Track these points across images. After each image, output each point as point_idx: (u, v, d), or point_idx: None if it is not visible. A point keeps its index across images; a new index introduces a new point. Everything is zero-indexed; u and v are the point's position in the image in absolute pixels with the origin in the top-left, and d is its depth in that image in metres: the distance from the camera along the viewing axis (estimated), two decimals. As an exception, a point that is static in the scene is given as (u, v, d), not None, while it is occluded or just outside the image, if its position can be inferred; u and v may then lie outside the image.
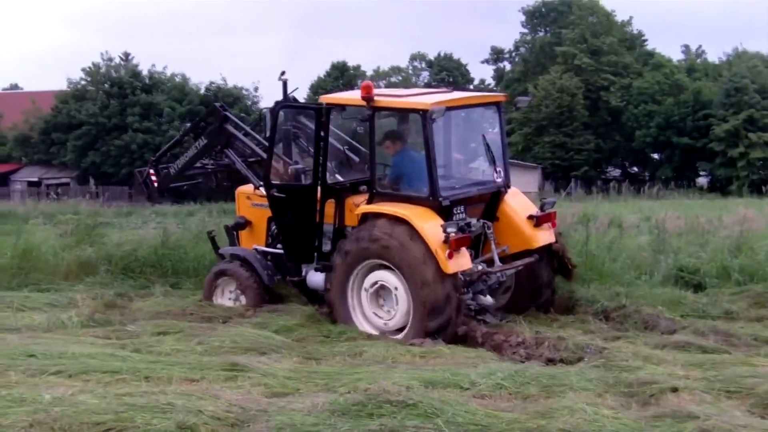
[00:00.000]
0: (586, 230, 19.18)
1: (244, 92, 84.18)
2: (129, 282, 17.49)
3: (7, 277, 17.99)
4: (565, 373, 10.47)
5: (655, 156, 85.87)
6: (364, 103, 13.78)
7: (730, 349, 12.26)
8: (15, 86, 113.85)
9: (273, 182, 14.78)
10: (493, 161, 14.73)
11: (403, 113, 14.45)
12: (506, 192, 14.77)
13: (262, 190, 15.34)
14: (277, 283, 15.55)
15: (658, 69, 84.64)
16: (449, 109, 13.91)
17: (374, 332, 13.58)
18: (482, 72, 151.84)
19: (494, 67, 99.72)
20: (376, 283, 13.64)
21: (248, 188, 16.41)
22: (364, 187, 14.47)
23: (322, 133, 14.44)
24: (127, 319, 14.50)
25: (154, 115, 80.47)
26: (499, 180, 14.66)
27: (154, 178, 17.66)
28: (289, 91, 16.33)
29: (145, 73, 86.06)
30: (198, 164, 17.34)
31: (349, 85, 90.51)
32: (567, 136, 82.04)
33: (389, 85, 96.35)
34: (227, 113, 16.85)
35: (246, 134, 16.77)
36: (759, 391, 9.69)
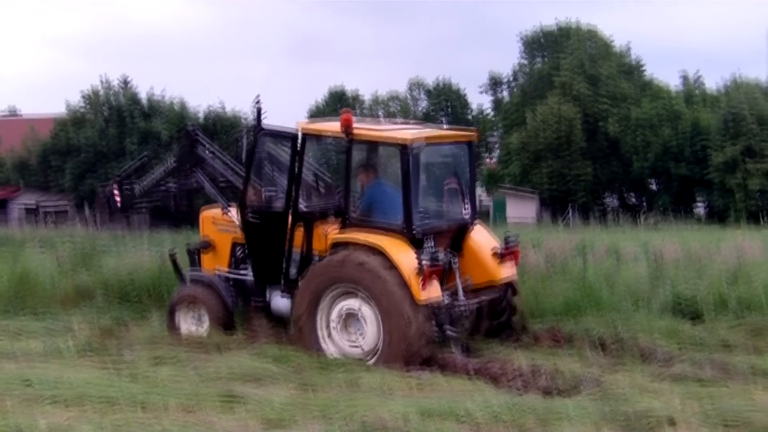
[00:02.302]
0: (584, 260, 19.19)
1: (242, 118, 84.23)
2: (126, 308, 17.46)
3: (4, 302, 17.98)
4: (561, 404, 10.47)
5: (653, 184, 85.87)
6: (342, 133, 14.03)
7: (727, 381, 12.24)
8: (14, 111, 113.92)
9: (248, 205, 14.94)
10: (461, 196, 15.10)
11: (383, 146, 14.73)
12: (472, 227, 15.10)
13: (230, 214, 15.65)
14: (239, 308, 15.59)
15: (656, 97, 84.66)
16: (427, 143, 14.18)
17: (341, 357, 13.72)
18: (480, 99, 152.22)
19: (492, 94, 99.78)
20: (345, 309, 13.84)
21: (214, 211, 16.47)
22: (332, 216, 14.82)
23: (297, 161, 14.67)
24: (123, 346, 14.46)
25: (153, 140, 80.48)
26: (466, 214, 15.04)
27: (117, 197, 17.60)
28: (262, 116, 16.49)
29: (143, 98, 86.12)
30: (162, 185, 17.35)
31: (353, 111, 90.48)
32: (565, 164, 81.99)
33: (388, 114, 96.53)
34: (198, 136, 16.91)
35: (217, 157, 16.82)
36: (756, 423, 9.70)
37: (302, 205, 14.93)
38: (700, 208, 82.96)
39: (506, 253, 14.91)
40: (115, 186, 17.69)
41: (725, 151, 75.24)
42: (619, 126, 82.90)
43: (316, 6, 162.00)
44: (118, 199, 17.57)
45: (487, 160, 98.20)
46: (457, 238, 14.99)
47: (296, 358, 13.37)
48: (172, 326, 15.76)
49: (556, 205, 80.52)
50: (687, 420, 9.74)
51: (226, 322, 15.32)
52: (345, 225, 14.22)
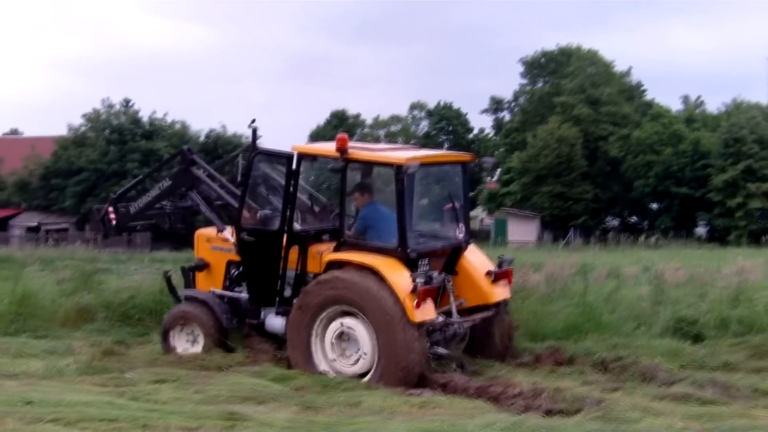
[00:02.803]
0: (585, 281, 19.19)
1: (243, 140, 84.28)
2: (127, 329, 17.45)
3: (5, 323, 17.95)
4: (563, 424, 10.43)
5: (654, 206, 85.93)
6: (337, 154, 14.17)
7: (728, 401, 12.21)
8: (15, 131, 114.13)
9: (244, 226, 15.04)
10: (455, 218, 15.19)
11: (377, 167, 14.89)
12: (466, 248, 15.18)
13: (225, 234, 15.75)
14: (234, 327, 15.62)
15: (657, 119, 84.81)
16: (422, 165, 14.27)
17: (335, 376, 13.75)
18: (482, 122, 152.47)
19: (493, 116, 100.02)
20: (340, 328, 13.90)
21: (209, 231, 16.52)
22: (327, 236, 15.07)
23: (292, 182, 14.78)
24: (124, 367, 14.43)
25: (154, 161, 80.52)
26: (460, 236, 15.10)
27: (112, 215, 17.66)
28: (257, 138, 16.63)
29: (145, 119, 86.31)
30: (156, 205, 17.41)
31: (349, 134, 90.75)
32: (566, 185, 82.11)
33: (389, 135, 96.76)
34: (194, 157, 16.99)
35: (212, 178, 16.88)
36: (758, 443, 9.67)
37: (297, 226, 15.05)
38: (701, 229, 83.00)
39: (500, 275, 15.05)
40: (110, 206, 17.77)
41: (726, 172, 75.29)
42: (620, 148, 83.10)
43: (317, 30, 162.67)
44: (113, 218, 17.64)
45: (488, 181, 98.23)
46: (451, 259, 15.08)
47: (297, 378, 13.35)
48: (167, 346, 15.78)
49: (557, 226, 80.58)
50: (688, 440, 9.73)
51: (220, 341, 15.37)
52: (340, 246, 14.33)
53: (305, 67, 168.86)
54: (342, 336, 13.92)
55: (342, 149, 14.10)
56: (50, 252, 38.16)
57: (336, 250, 14.32)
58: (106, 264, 27.28)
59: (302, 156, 14.84)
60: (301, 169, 14.83)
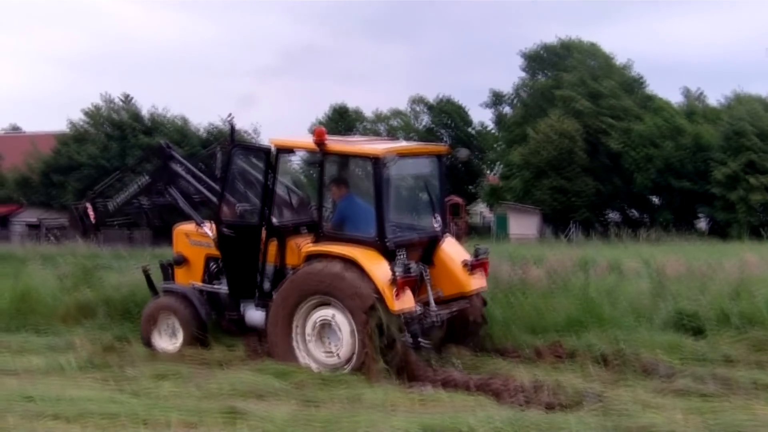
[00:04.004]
0: (586, 275, 19.19)
1: (243, 134, 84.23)
2: (128, 325, 17.43)
3: (6, 319, 18.01)
4: (564, 419, 10.44)
5: (655, 200, 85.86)
6: (316, 147, 14.33)
7: (729, 395, 12.21)
8: (15, 128, 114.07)
9: (223, 220, 15.17)
10: (432, 209, 15.42)
11: (355, 159, 15.09)
12: (443, 239, 15.37)
13: (204, 229, 15.90)
14: (212, 320, 15.79)
15: (658, 113, 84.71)
16: (399, 157, 14.39)
17: (317, 367, 13.89)
18: (482, 115, 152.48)
19: (494, 110, 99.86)
20: (320, 319, 14.06)
21: (187, 226, 16.67)
22: (305, 229, 15.13)
23: (270, 175, 14.92)
24: (125, 363, 14.47)
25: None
26: (437, 227, 15.33)
27: (91, 213, 17.69)
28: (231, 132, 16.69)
29: (145, 115, 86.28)
30: (135, 201, 17.41)
31: (349, 129, 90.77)
32: (566, 179, 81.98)
33: (390, 129, 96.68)
34: (172, 152, 17.04)
35: (191, 173, 16.91)
36: (759, 437, 9.67)
37: (275, 219, 15.18)
38: (702, 223, 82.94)
39: (476, 265, 15.22)
40: (88, 203, 17.80)
41: (727, 165, 75.22)
42: (621, 141, 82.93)
43: (317, 24, 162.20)
44: (92, 215, 17.67)
45: (489, 175, 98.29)
46: (428, 249, 15.26)
47: (298, 373, 13.36)
48: (146, 339, 15.93)
49: (558, 220, 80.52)
50: (689, 434, 9.74)
51: (199, 334, 15.51)
52: (318, 238, 14.49)
53: (305, 61, 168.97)
54: (322, 327, 14.07)
55: (320, 142, 14.25)
56: (51, 248, 38.13)
57: (314, 242, 14.48)
58: (106, 260, 27.14)
59: (280, 149, 14.97)
60: (279, 162, 15.00)
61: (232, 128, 16.32)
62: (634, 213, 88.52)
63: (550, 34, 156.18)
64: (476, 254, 15.41)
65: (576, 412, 11.20)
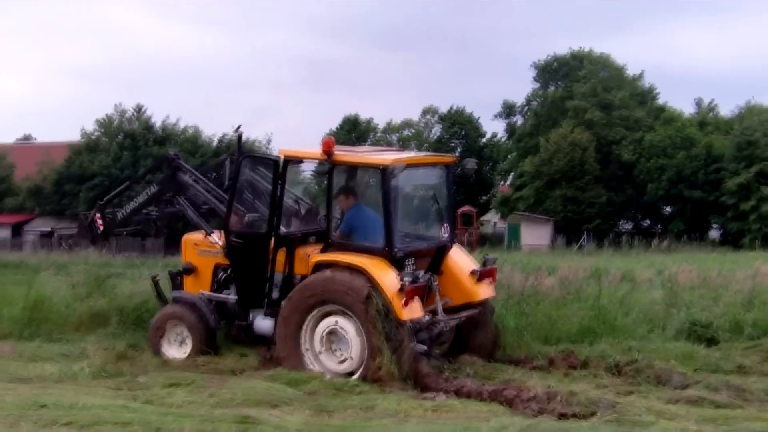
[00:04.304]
0: (599, 285, 19.17)
1: (257, 145, 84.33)
2: (140, 333, 17.44)
3: (19, 327, 18.02)
4: (577, 427, 10.42)
5: (667, 209, 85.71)
6: (324, 157, 14.39)
7: (743, 404, 12.19)
8: (28, 138, 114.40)
9: (232, 230, 15.24)
10: (440, 218, 15.53)
11: (363, 169, 15.14)
12: (451, 248, 15.44)
13: (212, 238, 15.97)
14: (221, 328, 15.83)
15: (670, 123, 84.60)
16: (407, 167, 14.45)
17: (326, 375, 13.89)
18: (494, 126, 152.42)
19: (506, 121, 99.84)
20: (329, 327, 14.08)
21: (196, 235, 16.72)
22: (313, 238, 15.34)
23: (279, 185, 14.97)
24: (138, 371, 14.48)
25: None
26: (445, 236, 15.40)
27: (99, 222, 17.76)
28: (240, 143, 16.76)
29: (158, 125, 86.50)
30: (143, 211, 17.50)
31: (361, 139, 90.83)
32: (579, 189, 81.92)
33: (402, 139, 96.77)
34: (180, 162, 17.06)
35: (199, 183, 16.95)
36: (773, 446, 9.64)
37: (284, 229, 15.24)
38: (715, 232, 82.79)
39: (484, 273, 15.25)
40: (97, 212, 17.85)
41: (739, 175, 75.07)
42: (633, 151, 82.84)
43: (329, 36, 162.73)
44: (100, 224, 17.74)
45: (501, 185, 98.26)
46: (436, 258, 15.31)
47: (311, 382, 13.34)
48: (156, 347, 15.97)
49: (570, 230, 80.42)
50: (703, 443, 9.70)
51: (208, 342, 15.57)
52: (327, 247, 14.56)
53: (317, 73, 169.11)
54: (331, 335, 14.10)
55: (328, 152, 14.31)
56: (63, 257, 38.24)
57: (323, 251, 14.54)
58: (119, 268, 27.23)
59: (288, 160, 15.01)
60: (288, 172, 15.06)
61: (240, 138, 16.37)
62: (647, 223, 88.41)
63: (563, 46, 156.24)
64: (484, 263, 15.50)
65: (589, 421, 11.17)
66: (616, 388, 13.27)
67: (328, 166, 14.44)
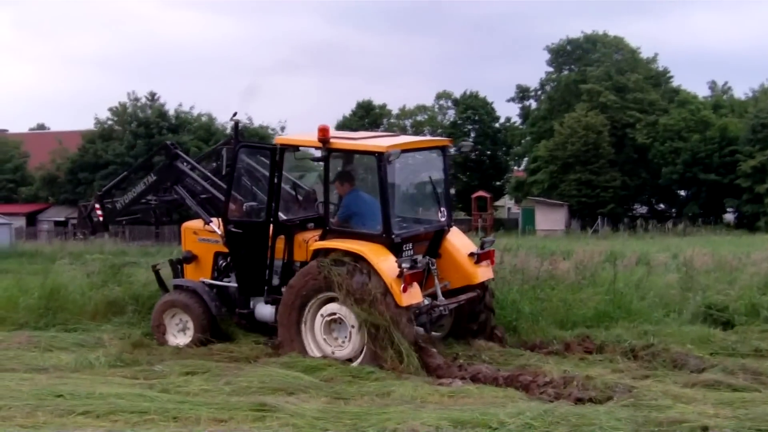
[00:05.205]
0: (614, 269, 19.14)
1: (270, 131, 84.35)
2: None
3: (35, 316, 18.06)
4: (594, 412, 10.38)
5: (682, 193, 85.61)
6: (320, 144, 14.47)
7: (760, 387, 12.15)
8: (42, 126, 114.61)
9: (231, 218, 15.28)
10: (437, 202, 15.61)
11: (359, 155, 15.16)
12: (448, 231, 15.55)
13: (211, 226, 16.04)
14: (223, 316, 15.88)
15: (684, 106, 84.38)
16: (403, 151, 14.50)
17: (326, 359, 13.98)
18: (508, 110, 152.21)
19: (520, 105, 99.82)
20: (330, 313, 14.18)
21: (195, 223, 16.85)
22: (311, 225, 15.43)
23: (276, 173, 15.03)
24: (154, 359, 14.50)
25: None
26: (442, 219, 15.50)
27: (99, 212, 17.82)
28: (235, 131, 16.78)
29: (171, 113, 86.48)
30: (142, 200, 17.56)
31: (375, 124, 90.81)
32: (593, 173, 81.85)
33: (415, 124, 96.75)
34: (178, 151, 17.10)
35: (197, 171, 16.97)
36: (790, 429, 9.60)
37: (282, 216, 15.32)
38: (730, 215, 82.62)
39: (482, 255, 15.35)
40: (96, 202, 17.89)
41: (754, 158, 74.81)
42: (647, 135, 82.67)
43: (343, 21, 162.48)
44: (100, 214, 17.78)
45: (515, 169, 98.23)
46: (434, 242, 15.41)
47: (327, 369, 13.35)
48: (158, 335, 16.06)
49: (585, 214, 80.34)
50: (720, 427, 9.65)
51: (210, 329, 15.66)
52: (325, 234, 14.60)
53: (331, 58, 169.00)
54: (332, 321, 14.22)
55: (324, 139, 14.37)
56: (79, 246, 38.30)
57: (322, 238, 14.60)
58: (134, 257, 27.29)
59: (285, 147, 15.06)
60: (285, 159, 15.11)
61: (236, 127, 16.38)
62: (662, 206, 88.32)
63: (576, 29, 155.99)
64: (482, 245, 15.60)
65: (606, 405, 11.15)
66: (632, 373, 13.26)
67: (324, 152, 14.53)
